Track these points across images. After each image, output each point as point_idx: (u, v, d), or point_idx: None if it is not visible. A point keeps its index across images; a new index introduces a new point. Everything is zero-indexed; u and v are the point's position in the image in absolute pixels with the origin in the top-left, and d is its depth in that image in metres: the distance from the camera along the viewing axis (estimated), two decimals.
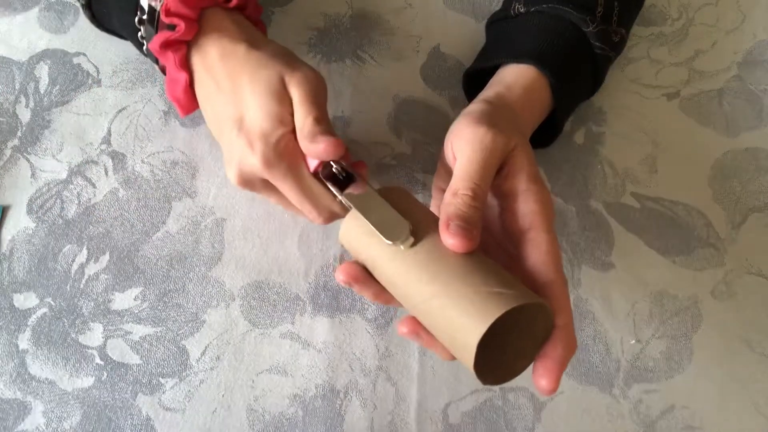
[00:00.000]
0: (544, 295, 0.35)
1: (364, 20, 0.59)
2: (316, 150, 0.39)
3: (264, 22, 0.59)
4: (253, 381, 0.46)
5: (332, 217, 0.43)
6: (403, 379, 0.46)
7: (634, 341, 0.47)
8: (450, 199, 0.36)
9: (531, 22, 0.48)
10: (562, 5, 0.47)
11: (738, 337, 0.47)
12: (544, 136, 0.50)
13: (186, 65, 0.44)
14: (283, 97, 0.40)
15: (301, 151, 0.41)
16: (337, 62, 0.57)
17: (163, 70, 0.46)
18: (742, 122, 0.55)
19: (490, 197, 0.39)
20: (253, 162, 0.40)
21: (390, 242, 0.35)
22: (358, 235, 0.38)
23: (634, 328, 0.47)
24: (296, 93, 0.40)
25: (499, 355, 0.35)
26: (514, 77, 0.45)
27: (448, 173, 0.40)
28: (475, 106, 0.42)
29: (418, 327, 0.36)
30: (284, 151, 0.40)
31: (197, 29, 0.43)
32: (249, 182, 0.42)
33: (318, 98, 0.41)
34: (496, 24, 0.53)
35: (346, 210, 0.41)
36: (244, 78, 0.41)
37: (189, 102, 0.45)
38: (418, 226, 0.36)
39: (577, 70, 0.48)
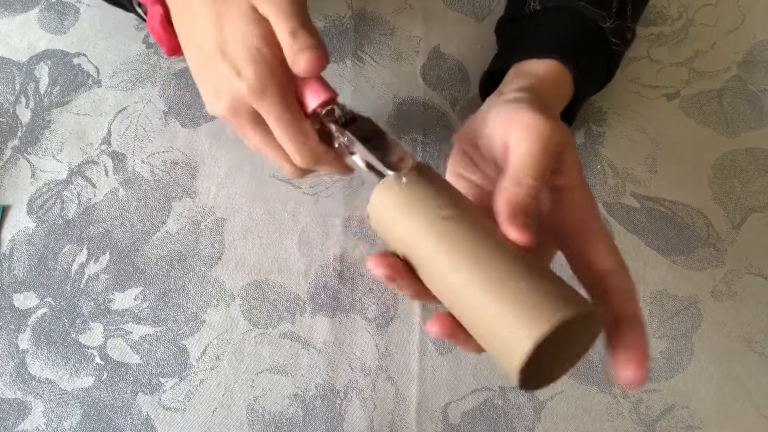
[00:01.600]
0: (608, 285, 0.33)
1: (364, 20, 0.59)
2: (297, 70, 0.36)
3: None
4: (253, 381, 0.46)
5: (314, 161, 0.40)
6: (403, 379, 0.46)
7: None
8: (512, 188, 0.33)
9: (550, 18, 0.48)
10: (579, 0, 0.46)
11: (738, 337, 0.47)
12: None
13: None
14: (260, 21, 0.38)
15: (294, 82, 0.39)
16: (337, 62, 0.57)
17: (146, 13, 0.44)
18: (742, 122, 0.55)
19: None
20: (241, 87, 0.37)
21: (391, 173, 0.32)
22: (392, 206, 0.33)
23: None
24: (269, 12, 0.38)
25: (540, 359, 0.32)
26: (542, 71, 0.43)
27: (472, 159, 0.38)
28: (521, 94, 0.40)
29: (455, 326, 0.32)
30: (274, 76, 0.37)
31: None
32: (236, 112, 0.39)
33: (289, 6, 0.37)
34: (509, 25, 0.52)
35: (335, 160, 0.39)
36: (218, 7, 0.39)
37: (169, 37, 0.43)
38: (453, 200, 0.32)
39: (595, 64, 0.47)
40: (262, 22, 0.38)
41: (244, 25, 0.38)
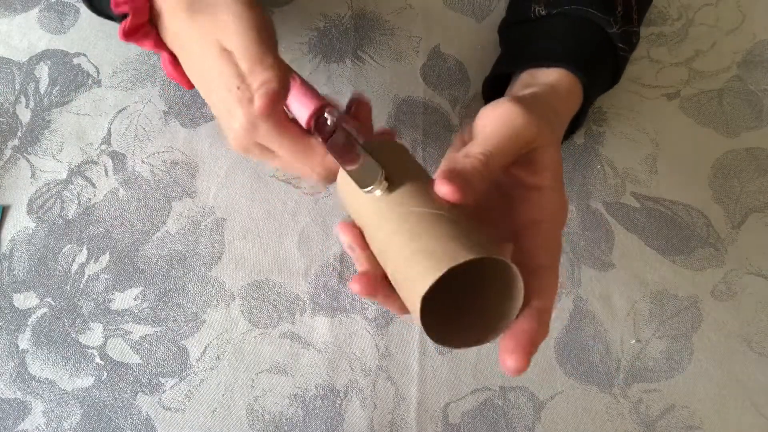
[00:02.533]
0: (534, 278, 0.33)
1: (364, 20, 0.59)
2: (257, 112, 0.37)
3: None
4: (253, 381, 0.46)
5: (328, 172, 0.40)
6: (403, 378, 0.46)
7: (634, 341, 0.47)
8: (458, 158, 0.34)
9: (556, 24, 0.48)
10: (585, 6, 0.46)
11: (738, 337, 0.47)
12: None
13: (162, 44, 0.43)
14: (229, 61, 0.38)
15: (282, 106, 0.39)
16: (337, 62, 0.57)
17: None
18: (742, 122, 0.55)
19: (509, 188, 0.38)
20: (238, 129, 0.39)
21: (362, 189, 0.34)
22: (346, 187, 0.36)
23: (634, 328, 0.47)
24: (231, 50, 0.38)
25: (448, 308, 0.33)
26: (554, 80, 0.44)
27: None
28: (519, 94, 0.41)
29: (376, 284, 0.33)
30: (262, 111, 0.38)
31: (147, 9, 0.41)
32: (246, 149, 0.40)
33: (243, 43, 0.38)
34: (514, 28, 0.52)
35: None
36: (196, 55, 0.40)
37: (182, 77, 0.44)
38: (402, 178, 0.34)
39: (602, 69, 0.47)
40: (233, 63, 0.39)
41: (218, 65, 0.39)
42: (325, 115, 0.39)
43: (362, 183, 0.34)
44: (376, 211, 0.34)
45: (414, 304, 0.30)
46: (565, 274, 0.49)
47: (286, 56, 0.57)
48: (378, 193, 0.34)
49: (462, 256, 0.29)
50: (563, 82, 0.44)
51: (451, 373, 0.46)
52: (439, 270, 0.28)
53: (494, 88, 0.50)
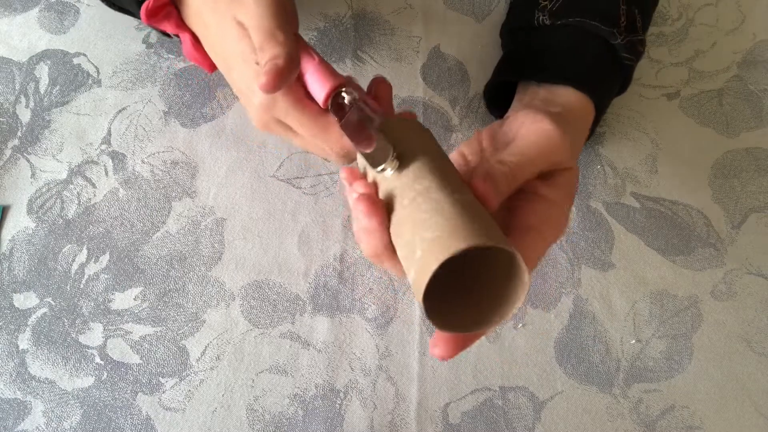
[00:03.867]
0: None
1: (364, 20, 0.59)
2: (260, 89, 0.36)
3: None
4: (253, 381, 0.46)
5: (344, 152, 0.40)
6: (403, 378, 0.46)
7: (634, 341, 0.47)
8: (496, 165, 0.35)
9: (561, 37, 0.47)
10: (589, 19, 0.46)
11: (738, 337, 0.47)
12: None
13: (184, 25, 0.43)
14: (246, 38, 0.39)
15: (302, 84, 0.39)
16: (337, 62, 0.57)
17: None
18: (742, 122, 0.55)
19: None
20: (257, 105, 0.39)
21: (373, 168, 0.34)
22: (362, 163, 0.36)
23: (634, 328, 0.47)
24: (247, 25, 0.38)
25: (451, 291, 0.33)
26: (571, 101, 0.44)
27: (480, 144, 0.39)
28: (552, 111, 0.42)
29: (386, 246, 0.34)
30: (265, 87, 0.38)
31: None
32: (266, 125, 0.41)
33: (260, 18, 0.38)
34: (517, 33, 0.52)
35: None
36: (217, 34, 0.40)
37: (204, 57, 0.45)
38: (415, 157, 0.34)
39: (611, 84, 0.48)
40: (250, 39, 0.39)
41: (236, 42, 0.39)
42: (343, 94, 0.38)
43: (374, 162, 0.34)
44: (388, 189, 0.34)
45: (419, 286, 0.29)
46: (565, 275, 0.49)
47: None
48: (389, 172, 0.34)
49: (467, 242, 0.28)
50: (579, 105, 0.44)
51: (451, 373, 0.46)
52: (445, 254, 0.28)
53: (496, 92, 0.50)
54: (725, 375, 0.46)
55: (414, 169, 0.34)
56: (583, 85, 0.44)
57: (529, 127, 0.38)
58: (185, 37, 0.44)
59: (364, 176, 0.37)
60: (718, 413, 0.45)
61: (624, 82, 0.49)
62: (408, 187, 0.33)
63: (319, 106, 0.39)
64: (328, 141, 0.40)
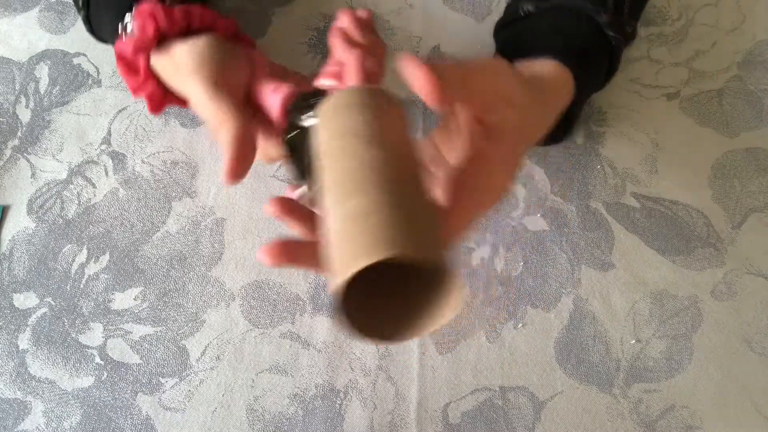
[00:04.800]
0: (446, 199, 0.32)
1: None
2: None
3: (263, 23, 0.59)
4: (253, 381, 0.46)
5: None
6: (403, 378, 0.46)
7: (634, 341, 0.47)
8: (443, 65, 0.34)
9: (545, 19, 0.48)
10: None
11: (738, 337, 0.47)
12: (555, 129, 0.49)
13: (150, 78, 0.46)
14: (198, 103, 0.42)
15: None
16: None
17: None
18: (742, 122, 0.55)
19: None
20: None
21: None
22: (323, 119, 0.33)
23: (634, 328, 0.47)
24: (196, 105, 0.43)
25: (372, 297, 0.30)
26: (544, 71, 0.43)
27: (448, 135, 0.39)
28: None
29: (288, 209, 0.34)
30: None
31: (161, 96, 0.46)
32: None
33: (202, 103, 0.41)
34: (505, 29, 0.52)
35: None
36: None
37: (172, 99, 0.48)
38: (358, 114, 0.31)
39: (595, 61, 0.47)
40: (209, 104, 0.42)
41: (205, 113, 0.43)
42: (295, 99, 0.40)
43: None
44: (317, 141, 0.31)
45: (338, 280, 0.27)
46: (565, 275, 0.49)
47: (287, 56, 0.57)
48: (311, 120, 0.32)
49: (391, 251, 0.25)
50: (554, 75, 0.43)
51: (451, 373, 0.46)
52: (365, 261, 0.25)
53: None
54: (725, 375, 0.46)
55: (346, 121, 0.31)
56: (558, 54, 0.43)
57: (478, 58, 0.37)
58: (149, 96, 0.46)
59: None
60: (718, 413, 0.45)
61: (611, 65, 0.49)
62: (337, 139, 0.30)
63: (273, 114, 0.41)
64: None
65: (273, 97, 0.41)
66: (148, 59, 0.44)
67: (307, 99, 0.38)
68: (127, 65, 0.45)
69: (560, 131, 0.49)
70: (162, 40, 0.44)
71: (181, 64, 0.42)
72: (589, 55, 0.46)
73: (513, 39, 0.50)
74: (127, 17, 0.44)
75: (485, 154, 0.35)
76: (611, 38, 0.46)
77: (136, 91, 0.46)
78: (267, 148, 0.44)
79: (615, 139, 0.54)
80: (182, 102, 0.46)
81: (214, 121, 0.41)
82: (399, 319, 0.30)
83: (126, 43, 0.43)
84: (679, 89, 0.56)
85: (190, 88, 0.42)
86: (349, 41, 0.43)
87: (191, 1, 0.46)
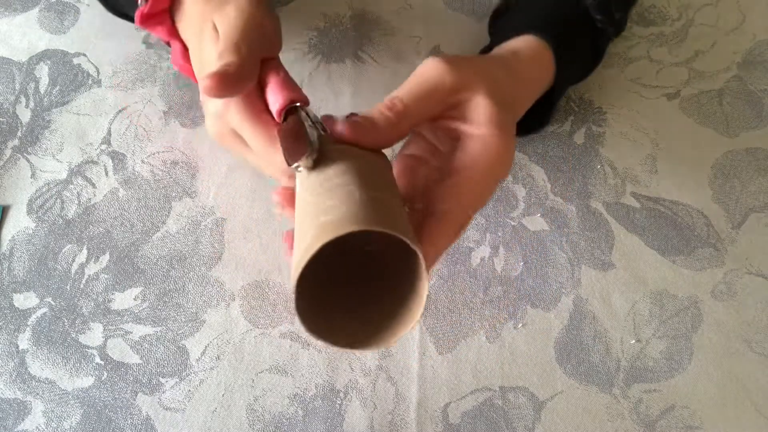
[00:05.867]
0: (425, 222, 0.33)
1: (364, 20, 0.59)
2: (202, 88, 0.36)
3: None
4: (253, 381, 0.46)
5: (280, 174, 0.39)
6: (403, 378, 0.46)
7: (634, 341, 0.47)
8: (375, 110, 0.36)
9: (530, 3, 0.48)
10: None
11: (738, 337, 0.47)
12: (537, 117, 0.49)
13: (176, 33, 0.43)
14: (216, 43, 0.39)
15: (259, 96, 0.39)
16: (337, 63, 0.57)
17: None
18: (742, 122, 0.55)
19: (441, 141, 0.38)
20: (212, 114, 0.39)
21: (288, 163, 0.33)
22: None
23: (634, 328, 0.47)
24: (220, 34, 0.39)
25: (335, 294, 0.31)
26: (516, 45, 0.44)
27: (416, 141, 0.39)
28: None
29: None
30: (233, 99, 0.38)
31: None
32: (222, 137, 0.40)
33: (232, 28, 0.38)
34: (496, 21, 0.53)
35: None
36: (199, 33, 0.40)
37: (191, 68, 0.44)
38: (334, 155, 0.33)
39: (576, 41, 0.47)
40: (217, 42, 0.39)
41: (209, 47, 0.39)
42: (299, 109, 0.38)
43: (289, 156, 0.33)
44: (299, 191, 0.33)
45: (296, 267, 0.27)
46: (565, 275, 0.49)
47: (287, 56, 0.57)
48: (301, 170, 0.33)
49: (361, 225, 0.26)
50: (528, 47, 0.43)
51: (451, 373, 0.46)
52: (332, 234, 0.26)
53: None
54: (725, 375, 0.46)
55: (336, 167, 0.32)
56: (535, 29, 0.43)
57: (415, 74, 0.37)
58: (175, 46, 0.44)
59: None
60: (718, 413, 0.45)
61: (597, 52, 0.49)
62: (326, 179, 0.31)
63: (275, 121, 0.38)
64: (276, 159, 0.38)
65: (275, 97, 0.40)
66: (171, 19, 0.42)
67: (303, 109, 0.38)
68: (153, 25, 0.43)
69: (541, 117, 0.49)
70: None
71: None
72: (571, 33, 0.46)
73: (502, 26, 0.51)
74: None
75: (468, 133, 0.36)
76: (597, 21, 0.46)
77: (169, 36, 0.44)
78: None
79: (615, 139, 0.54)
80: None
81: (226, 49, 0.37)
82: (364, 327, 0.31)
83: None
84: (679, 89, 0.56)
85: (228, 15, 0.38)
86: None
87: None
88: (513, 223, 0.51)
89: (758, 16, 0.60)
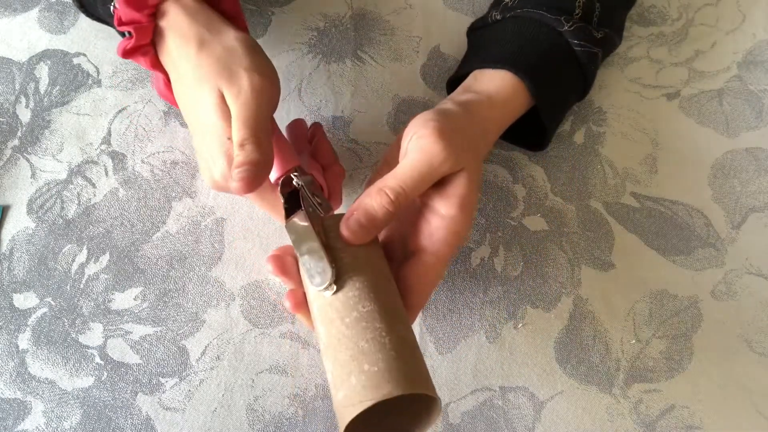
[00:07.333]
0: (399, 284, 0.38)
1: (364, 20, 0.59)
2: (231, 185, 0.37)
3: (263, 23, 0.59)
4: (253, 381, 0.46)
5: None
6: None
7: (634, 341, 0.47)
8: (373, 194, 0.38)
9: (506, 28, 0.49)
10: (537, 9, 0.47)
11: (738, 337, 0.47)
12: (538, 137, 0.50)
13: (159, 64, 0.44)
14: (225, 112, 0.39)
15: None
16: (337, 62, 0.57)
17: None
18: (742, 122, 0.55)
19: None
20: (217, 176, 0.40)
21: (312, 285, 0.36)
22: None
23: (634, 328, 0.47)
24: (232, 109, 0.39)
25: (369, 422, 0.35)
26: (486, 82, 0.46)
27: (399, 150, 0.41)
28: (445, 106, 0.43)
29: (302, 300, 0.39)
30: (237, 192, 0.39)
31: (151, 31, 0.42)
32: (222, 189, 0.42)
33: (250, 112, 0.38)
34: (475, 32, 0.53)
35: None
36: (192, 90, 0.41)
37: (174, 98, 0.45)
38: (349, 268, 0.36)
39: (558, 70, 0.47)
40: (228, 115, 0.40)
41: (212, 112, 0.40)
42: (294, 179, 0.41)
43: (313, 280, 0.36)
44: (323, 307, 0.36)
45: (345, 414, 0.33)
46: (565, 275, 0.49)
47: (286, 56, 0.57)
48: (327, 294, 0.36)
49: (400, 389, 0.32)
50: (505, 87, 0.45)
51: (451, 373, 0.46)
52: (377, 396, 0.32)
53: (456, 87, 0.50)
54: (725, 375, 0.46)
55: (357, 289, 0.36)
56: (509, 65, 0.45)
57: (414, 144, 0.39)
58: (158, 76, 0.45)
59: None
60: (718, 413, 0.45)
61: (586, 76, 0.49)
62: (351, 307, 0.35)
63: (273, 186, 0.42)
64: (273, 214, 0.43)
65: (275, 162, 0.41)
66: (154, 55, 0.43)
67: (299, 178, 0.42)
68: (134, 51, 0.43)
69: (538, 141, 0.51)
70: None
71: (236, 53, 0.40)
72: (548, 63, 0.46)
73: (476, 44, 0.52)
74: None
75: (439, 213, 0.39)
76: (575, 45, 0.47)
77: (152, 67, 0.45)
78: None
79: (615, 139, 0.54)
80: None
81: (246, 139, 0.38)
82: (384, 424, 0.36)
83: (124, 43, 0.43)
84: (679, 89, 0.56)
85: (243, 79, 0.39)
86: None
87: None
88: (513, 223, 0.51)
89: (758, 16, 0.60)
